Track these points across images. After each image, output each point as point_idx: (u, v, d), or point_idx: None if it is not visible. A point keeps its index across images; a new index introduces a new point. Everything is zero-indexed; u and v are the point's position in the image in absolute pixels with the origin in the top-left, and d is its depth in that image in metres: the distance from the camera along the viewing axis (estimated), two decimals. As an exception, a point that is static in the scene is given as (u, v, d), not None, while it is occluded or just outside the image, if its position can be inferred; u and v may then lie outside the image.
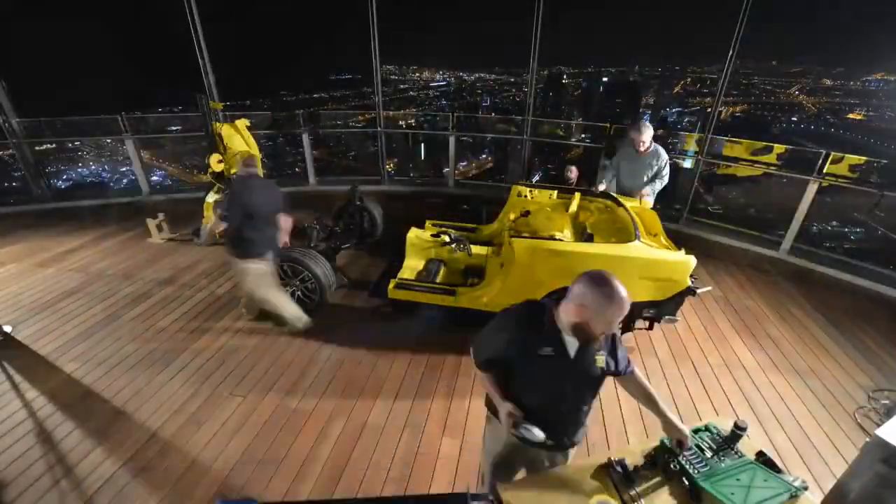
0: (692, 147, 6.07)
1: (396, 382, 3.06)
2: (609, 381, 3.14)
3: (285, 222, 3.46)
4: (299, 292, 3.72)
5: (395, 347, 3.40)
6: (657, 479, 1.52)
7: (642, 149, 4.09)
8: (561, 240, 3.26)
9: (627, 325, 3.33)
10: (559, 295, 1.48)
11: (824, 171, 4.79)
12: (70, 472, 2.38)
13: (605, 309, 1.31)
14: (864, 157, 4.82)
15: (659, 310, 3.22)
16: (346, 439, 2.60)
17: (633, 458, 1.59)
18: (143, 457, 2.47)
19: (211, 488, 2.29)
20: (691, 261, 3.04)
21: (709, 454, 1.58)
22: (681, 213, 5.98)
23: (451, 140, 6.97)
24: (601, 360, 1.50)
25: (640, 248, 3.03)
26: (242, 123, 5.18)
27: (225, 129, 4.90)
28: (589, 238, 3.38)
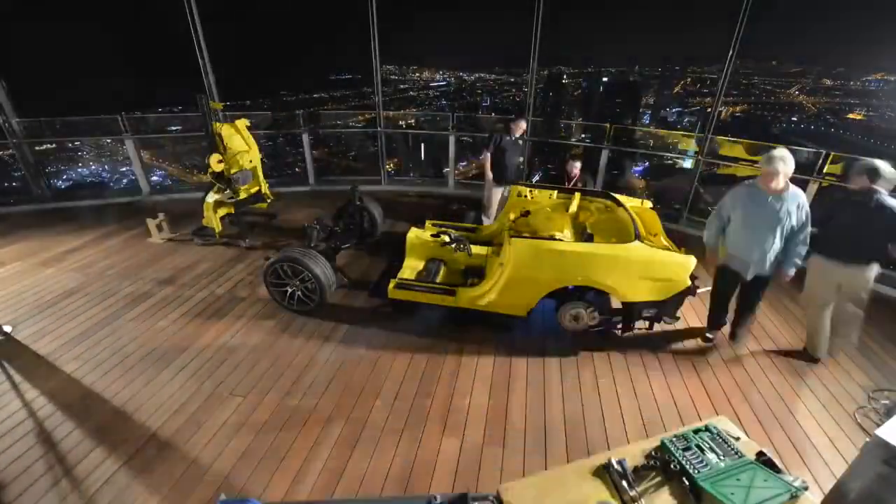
0: (692, 147, 6.07)
1: (396, 382, 3.06)
2: (608, 380, 3.14)
3: None
4: (299, 292, 3.72)
5: (395, 347, 3.40)
6: (657, 479, 1.51)
7: (775, 186, 2.81)
8: (561, 240, 3.27)
9: (627, 325, 3.34)
10: None
11: (824, 171, 4.79)
12: (70, 472, 2.38)
13: None
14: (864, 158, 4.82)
15: (659, 310, 3.23)
16: (346, 439, 2.60)
17: (633, 458, 1.59)
18: (143, 457, 2.47)
19: (211, 488, 2.29)
20: (691, 261, 3.04)
21: (709, 454, 1.58)
22: (681, 213, 5.98)
23: (451, 140, 6.98)
24: None
25: (640, 249, 3.03)
26: (242, 123, 5.18)
27: (225, 129, 4.90)
28: (589, 238, 3.38)
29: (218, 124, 4.87)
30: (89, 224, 5.66)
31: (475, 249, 4.14)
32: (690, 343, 3.57)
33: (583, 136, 7.33)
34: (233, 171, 4.93)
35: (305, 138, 6.98)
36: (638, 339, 3.56)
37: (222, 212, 5.11)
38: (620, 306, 3.29)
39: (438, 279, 3.89)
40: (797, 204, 2.87)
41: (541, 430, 2.70)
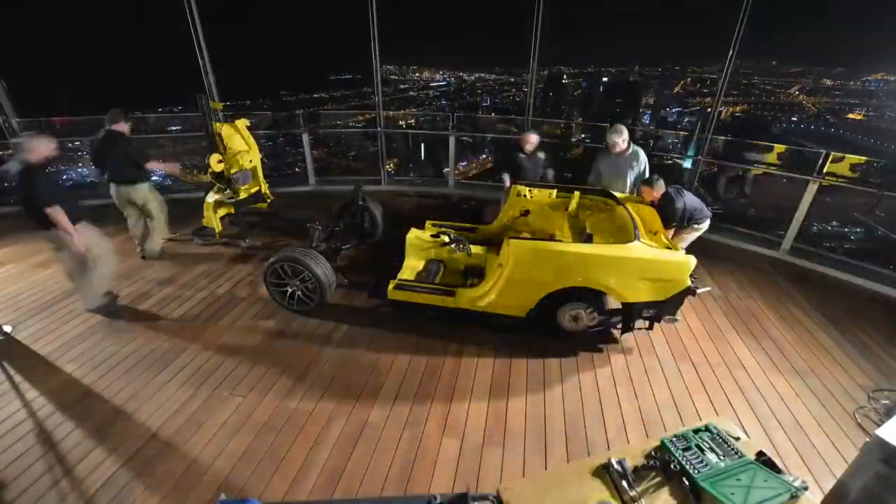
0: (692, 147, 6.07)
1: (396, 382, 3.06)
2: (608, 381, 3.14)
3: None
4: (299, 292, 3.72)
5: (395, 347, 3.40)
6: (657, 479, 1.51)
7: (617, 150, 4.18)
8: (560, 240, 3.26)
9: (627, 326, 3.34)
10: None
11: (824, 171, 4.79)
12: (70, 472, 2.38)
13: None
14: (865, 157, 4.82)
15: (659, 310, 3.22)
16: (346, 439, 2.60)
17: (633, 458, 1.59)
18: (143, 457, 2.47)
19: (211, 488, 2.29)
20: (691, 261, 3.04)
21: (709, 454, 1.58)
22: (681, 213, 5.97)
23: (451, 140, 6.97)
24: None
25: (639, 249, 3.03)
26: (242, 123, 5.18)
27: (225, 129, 4.90)
28: (588, 238, 3.38)
29: (218, 124, 4.87)
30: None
31: (475, 249, 4.14)
32: (690, 343, 3.57)
33: (583, 136, 7.33)
34: (233, 171, 4.93)
35: (305, 138, 6.98)
36: (638, 340, 3.56)
37: (222, 212, 5.11)
38: (620, 306, 3.29)
39: (438, 280, 3.89)
40: (635, 159, 4.23)
41: (541, 430, 2.71)
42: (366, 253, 4.92)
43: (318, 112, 7.63)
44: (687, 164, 6.14)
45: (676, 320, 3.47)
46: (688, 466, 1.52)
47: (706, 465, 1.53)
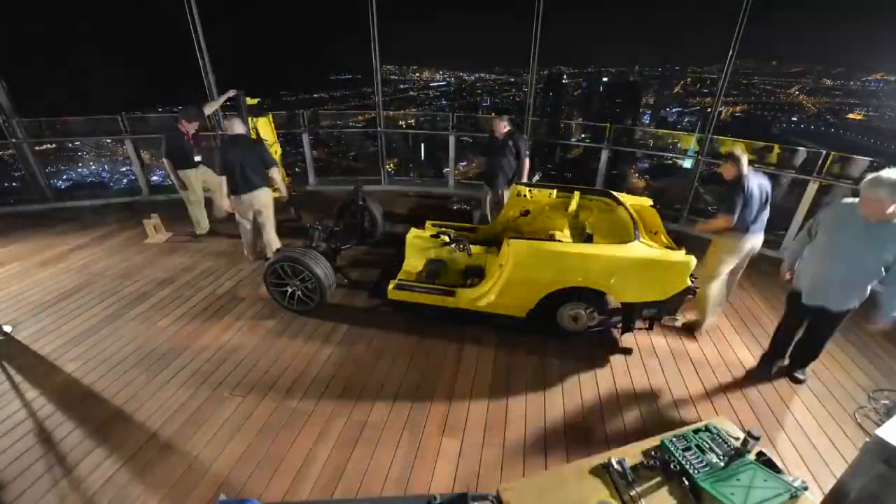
0: (692, 147, 6.07)
1: (396, 382, 3.06)
2: (608, 381, 3.14)
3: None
4: (299, 292, 3.72)
5: (395, 347, 3.40)
6: (657, 479, 1.52)
7: (889, 211, 2.27)
8: (560, 240, 3.26)
9: (627, 326, 3.34)
10: None
11: (824, 171, 4.79)
12: (70, 472, 2.38)
13: None
14: (864, 157, 4.82)
15: (659, 310, 3.22)
16: (346, 439, 2.60)
17: (633, 458, 1.59)
18: (143, 457, 2.47)
19: (211, 488, 2.29)
20: (691, 261, 3.04)
21: (709, 454, 1.58)
22: (681, 213, 5.98)
23: (451, 140, 6.98)
24: None
25: (639, 249, 3.03)
26: (269, 119, 5.60)
27: (261, 123, 5.31)
28: (588, 238, 3.38)
29: (252, 119, 5.18)
30: (89, 224, 5.66)
31: (475, 249, 4.14)
32: (690, 343, 3.57)
33: (583, 136, 7.33)
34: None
35: (305, 138, 6.99)
36: (638, 340, 3.56)
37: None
38: (620, 306, 3.29)
39: (438, 280, 3.89)
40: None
41: (541, 430, 2.70)
42: (366, 253, 4.92)
43: (318, 112, 7.62)
44: (687, 164, 6.14)
45: (677, 320, 3.48)
46: (687, 466, 1.52)
47: (706, 465, 1.53)
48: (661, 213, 3.86)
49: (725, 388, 3.10)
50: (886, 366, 3.35)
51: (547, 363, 3.28)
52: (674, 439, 1.66)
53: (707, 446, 1.62)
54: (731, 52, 5.14)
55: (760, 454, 1.62)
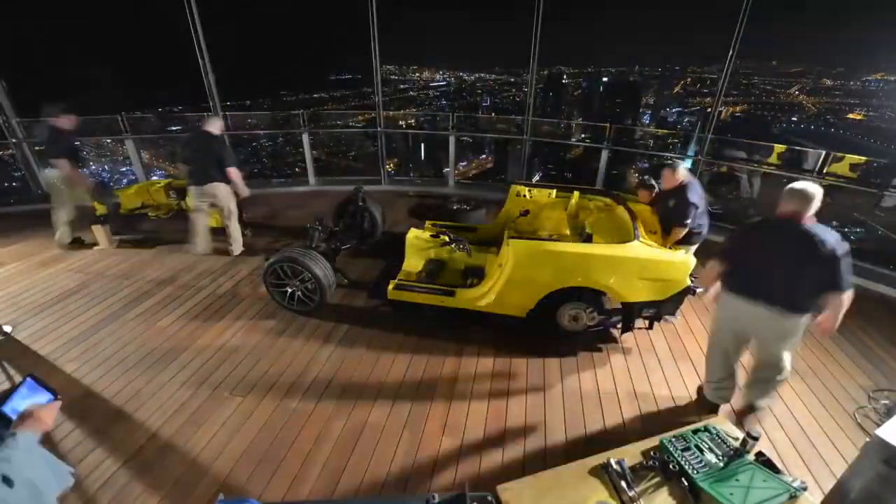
0: (692, 147, 6.07)
1: (396, 382, 3.06)
2: (608, 381, 3.14)
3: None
4: (299, 293, 3.72)
5: (395, 347, 3.40)
6: (657, 479, 1.52)
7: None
8: (559, 240, 3.26)
9: (627, 325, 3.34)
10: None
11: (824, 171, 4.79)
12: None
13: None
14: (865, 157, 4.82)
15: (659, 309, 3.23)
16: (346, 439, 2.60)
17: (633, 459, 1.59)
18: (143, 457, 2.47)
19: (211, 488, 2.29)
20: (691, 260, 3.04)
21: (708, 454, 1.58)
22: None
23: (451, 140, 6.98)
24: None
25: (639, 248, 3.03)
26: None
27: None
28: (588, 238, 3.38)
29: None
30: (89, 224, 5.65)
31: (475, 249, 4.14)
32: (690, 343, 3.57)
33: (583, 135, 7.33)
34: None
35: (305, 138, 6.98)
36: (638, 340, 3.56)
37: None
38: (619, 306, 3.29)
39: (438, 280, 3.89)
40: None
41: (541, 430, 2.70)
42: (366, 253, 4.92)
43: (318, 112, 7.63)
44: (687, 163, 6.14)
45: (676, 319, 3.47)
46: (687, 467, 1.52)
47: (705, 465, 1.53)
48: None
49: (725, 388, 3.09)
50: (886, 366, 3.35)
51: (547, 363, 3.28)
52: (673, 439, 1.66)
53: (706, 446, 1.62)
54: (731, 52, 5.14)
55: (760, 454, 1.62)
